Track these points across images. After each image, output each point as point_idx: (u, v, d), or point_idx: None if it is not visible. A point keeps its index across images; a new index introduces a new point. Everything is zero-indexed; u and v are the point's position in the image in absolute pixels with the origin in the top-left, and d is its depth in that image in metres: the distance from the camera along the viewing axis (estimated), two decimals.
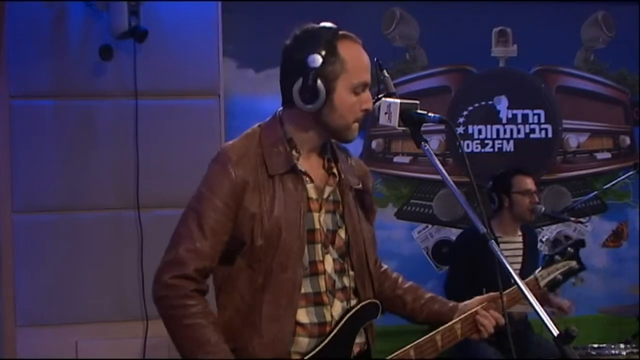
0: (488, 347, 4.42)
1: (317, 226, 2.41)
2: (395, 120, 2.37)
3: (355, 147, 5.15)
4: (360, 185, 2.54)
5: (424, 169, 5.24)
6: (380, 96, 2.42)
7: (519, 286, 2.17)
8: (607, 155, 5.63)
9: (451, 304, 2.67)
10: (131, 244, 4.45)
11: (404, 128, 2.37)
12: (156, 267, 2.38)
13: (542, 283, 2.88)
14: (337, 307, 2.43)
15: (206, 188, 2.37)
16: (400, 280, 2.71)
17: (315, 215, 2.42)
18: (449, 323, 2.60)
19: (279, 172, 2.38)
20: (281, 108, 2.48)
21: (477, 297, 2.66)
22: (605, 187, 5.21)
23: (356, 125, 2.42)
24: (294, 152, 2.41)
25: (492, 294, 2.64)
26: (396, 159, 5.27)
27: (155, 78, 4.52)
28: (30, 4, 4.37)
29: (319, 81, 2.33)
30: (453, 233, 5.20)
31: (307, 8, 4.90)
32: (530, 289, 2.55)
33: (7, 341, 4.40)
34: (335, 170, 2.48)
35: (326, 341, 2.39)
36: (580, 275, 5.37)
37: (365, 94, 2.40)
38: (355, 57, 2.39)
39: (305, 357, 2.37)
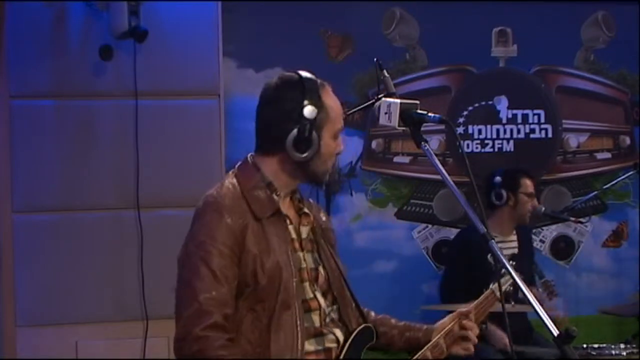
0: (488, 347, 4.42)
1: (304, 265, 2.46)
2: (395, 120, 2.37)
3: (356, 147, 5.17)
4: (324, 221, 2.61)
5: (424, 169, 5.24)
6: (380, 96, 2.43)
7: (518, 286, 2.17)
8: (607, 155, 5.62)
9: (425, 327, 2.70)
10: (131, 244, 4.44)
11: (404, 128, 2.38)
12: (156, 267, 2.38)
13: (498, 294, 2.92)
14: (338, 333, 2.46)
15: (208, 237, 2.35)
16: (372, 313, 2.72)
17: (300, 254, 2.46)
18: (434, 339, 2.61)
19: (266, 215, 2.41)
20: (252, 154, 2.50)
21: (448, 316, 2.67)
22: (605, 187, 5.22)
23: (330, 169, 2.49)
24: (274, 196, 2.44)
25: (460, 309, 2.67)
26: (396, 159, 5.27)
27: (155, 78, 4.52)
28: (30, 4, 4.37)
29: (314, 132, 2.38)
30: (453, 233, 5.20)
31: (307, 8, 4.90)
32: (490, 302, 2.61)
33: (7, 341, 4.40)
34: (306, 210, 2.52)
35: None
36: (579, 275, 5.49)
37: (339, 138, 2.48)
38: (334, 105, 2.46)
39: None
